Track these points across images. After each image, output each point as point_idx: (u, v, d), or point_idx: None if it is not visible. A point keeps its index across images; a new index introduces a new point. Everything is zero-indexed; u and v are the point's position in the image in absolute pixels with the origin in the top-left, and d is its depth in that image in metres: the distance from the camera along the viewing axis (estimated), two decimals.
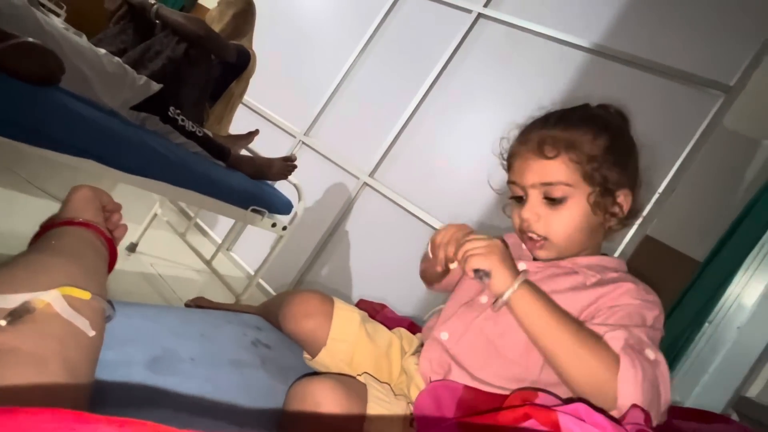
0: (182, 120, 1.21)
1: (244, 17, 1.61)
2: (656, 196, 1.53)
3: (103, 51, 1.08)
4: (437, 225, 1.83)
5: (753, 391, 0.88)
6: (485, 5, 1.98)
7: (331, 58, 2.32)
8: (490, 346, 0.59)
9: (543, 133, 0.60)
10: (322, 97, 2.27)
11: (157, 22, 1.35)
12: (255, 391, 0.55)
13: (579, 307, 0.55)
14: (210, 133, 1.34)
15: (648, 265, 1.67)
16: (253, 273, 1.87)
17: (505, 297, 0.51)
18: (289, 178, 1.55)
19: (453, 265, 0.59)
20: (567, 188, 0.58)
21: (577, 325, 0.50)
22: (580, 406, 0.35)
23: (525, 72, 1.85)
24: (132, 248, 1.76)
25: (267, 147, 1.89)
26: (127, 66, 1.12)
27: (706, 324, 1.53)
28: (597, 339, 0.48)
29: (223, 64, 1.51)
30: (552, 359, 0.49)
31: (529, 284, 0.52)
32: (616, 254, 1.52)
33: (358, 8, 2.33)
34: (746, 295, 1.62)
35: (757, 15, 1.52)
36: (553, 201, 0.59)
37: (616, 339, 0.47)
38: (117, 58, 1.11)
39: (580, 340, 0.47)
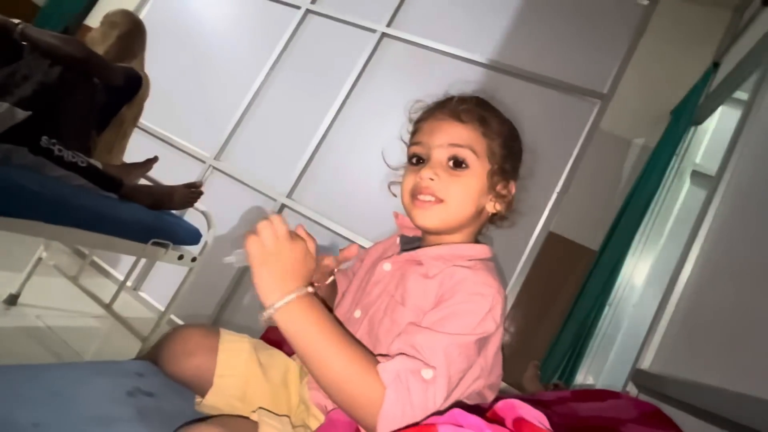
0: (59, 150, 1.08)
1: (130, 38, 1.49)
2: (555, 195, 1.68)
3: None
4: (361, 240, 1.82)
5: (646, 363, 0.97)
6: (388, 25, 2.06)
7: (238, 78, 2.24)
8: None
9: (461, 103, 0.62)
10: (231, 119, 2.18)
11: (25, 44, 1.21)
12: None
13: (429, 297, 0.55)
14: (97, 163, 1.21)
15: (554, 258, 1.81)
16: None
17: (267, 314, 0.48)
18: (197, 205, 1.45)
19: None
20: (472, 156, 0.59)
21: (348, 355, 0.47)
22: (455, 411, 0.36)
23: (428, 86, 1.91)
24: (12, 300, 1.52)
25: (175, 175, 1.76)
26: None
27: (607, 307, 1.69)
28: (367, 371, 0.46)
29: (110, 89, 1.38)
30: (317, 382, 0.48)
31: (303, 305, 0.48)
32: (526, 251, 1.63)
33: (264, 28, 2.29)
34: (636, 275, 1.82)
35: (619, 29, 1.76)
36: (456, 165, 0.59)
37: (388, 371, 0.46)
38: None
39: (346, 371, 0.46)
